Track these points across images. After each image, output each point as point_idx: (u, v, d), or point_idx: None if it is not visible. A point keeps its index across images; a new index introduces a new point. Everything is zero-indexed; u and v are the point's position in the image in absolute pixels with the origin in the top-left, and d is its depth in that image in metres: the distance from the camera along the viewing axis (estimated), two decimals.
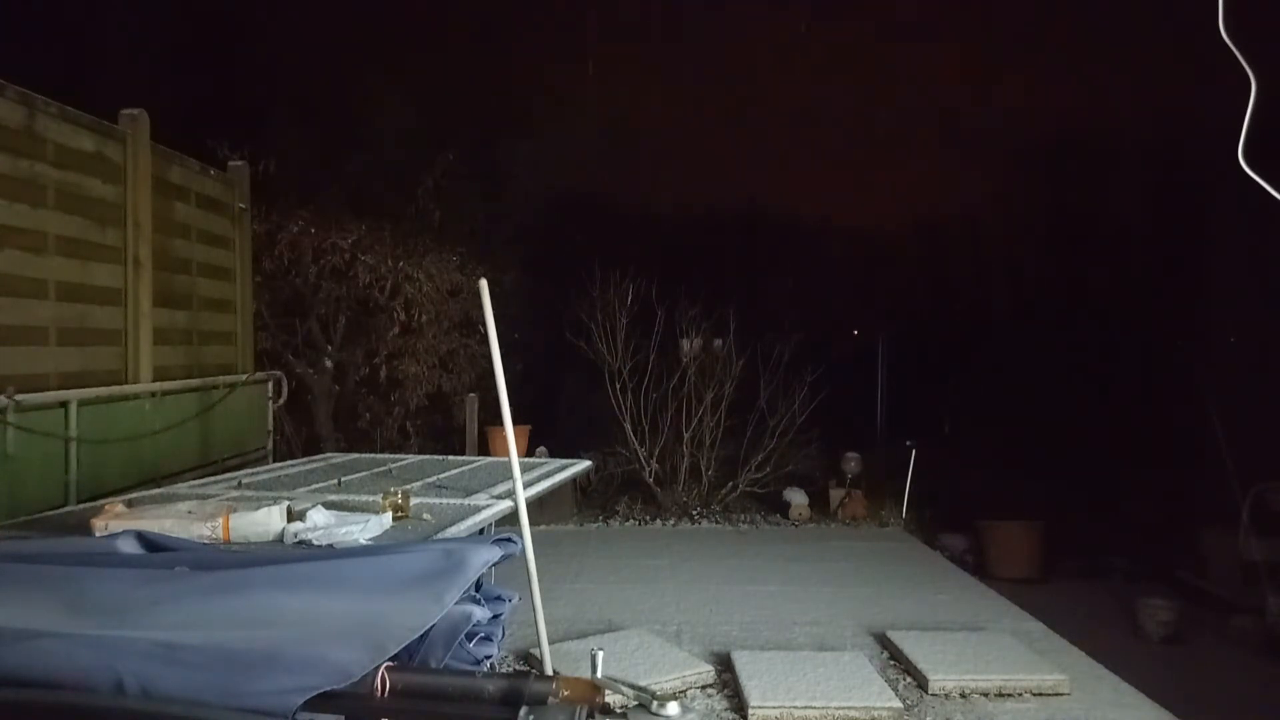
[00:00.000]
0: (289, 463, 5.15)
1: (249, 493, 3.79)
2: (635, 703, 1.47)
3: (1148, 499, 8.22)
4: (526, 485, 3.79)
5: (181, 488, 4.09)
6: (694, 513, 9.02)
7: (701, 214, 13.49)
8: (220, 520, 2.70)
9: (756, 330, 9.59)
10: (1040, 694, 4.40)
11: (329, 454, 5.72)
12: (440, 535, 2.91)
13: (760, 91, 13.42)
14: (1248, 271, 8.26)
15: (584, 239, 11.30)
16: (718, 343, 9.66)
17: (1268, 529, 6.57)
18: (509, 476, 3.61)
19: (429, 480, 4.24)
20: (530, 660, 4.67)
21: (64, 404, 4.53)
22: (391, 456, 5.34)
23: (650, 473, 9.24)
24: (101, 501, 3.58)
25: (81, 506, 3.90)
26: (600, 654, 1.72)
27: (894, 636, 5.08)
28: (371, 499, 3.38)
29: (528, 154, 11.73)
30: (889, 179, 13.60)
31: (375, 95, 10.14)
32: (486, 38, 11.83)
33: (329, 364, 9.04)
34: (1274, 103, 3.29)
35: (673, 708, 1.46)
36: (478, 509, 3.41)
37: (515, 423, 3.51)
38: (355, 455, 5.47)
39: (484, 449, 8.87)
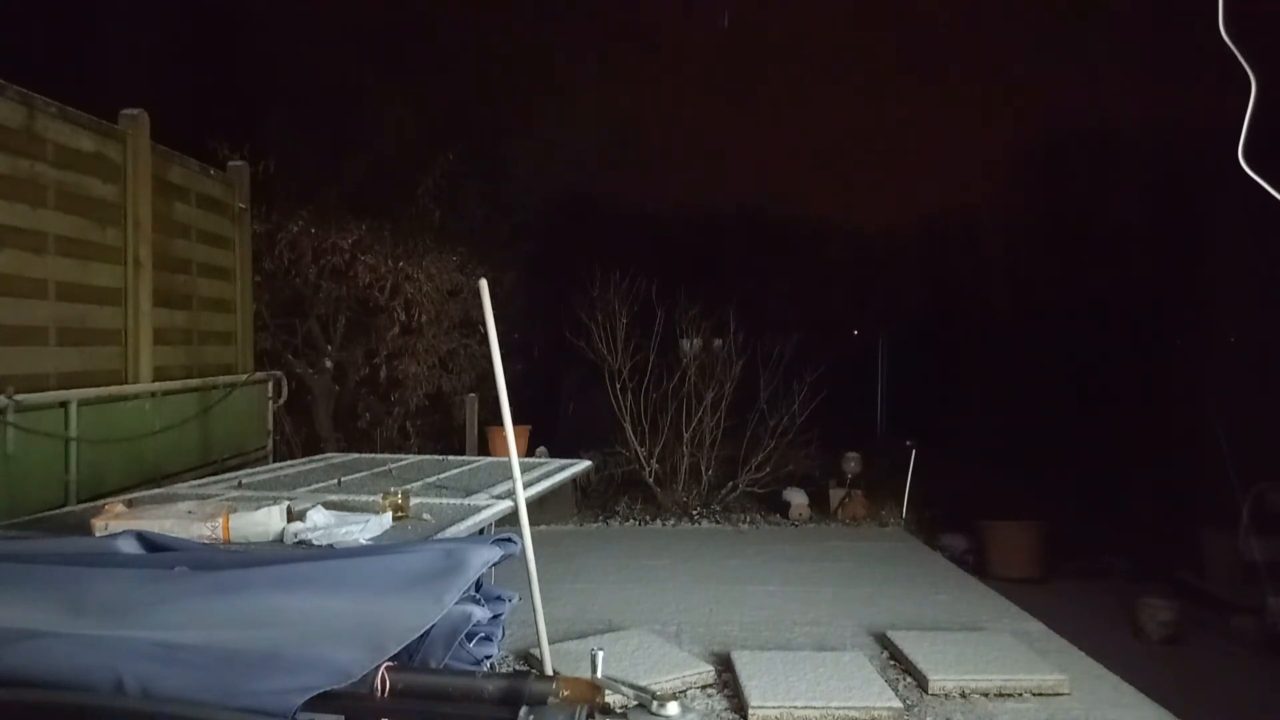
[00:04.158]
0: (289, 463, 5.15)
1: (249, 493, 3.79)
2: (635, 703, 1.47)
3: (1148, 499, 8.22)
4: (526, 485, 3.79)
5: (181, 488, 4.09)
6: (694, 513, 9.02)
7: (701, 214, 13.50)
8: (220, 520, 2.70)
9: (756, 330, 9.59)
10: (1040, 694, 4.40)
11: (329, 454, 5.72)
12: (440, 535, 2.91)
13: (760, 91, 13.43)
14: (1248, 272, 8.26)
15: (584, 239, 11.30)
16: (718, 343, 9.66)
17: (1268, 529, 6.57)
18: (509, 476, 3.61)
19: (429, 480, 4.24)
20: (530, 660, 4.67)
21: (64, 404, 4.53)
22: (391, 456, 5.34)
23: (650, 473, 9.24)
24: (101, 501, 3.58)
25: (81, 506, 3.89)
26: (600, 654, 1.72)
27: (894, 636, 5.08)
28: (371, 499, 3.38)
29: (528, 154, 11.74)
30: (889, 179, 13.61)
31: (375, 95, 10.14)
32: (487, 37, 11.83)
33: (329, 364, 9.04)
34: (1274, 103, 3.29)
35: (673, 708, 1.45)
36: (478, 509, 3.41)
37: (515, 423, 3.51)
38: (355, 455, 5.47)
39: (484, 449, 8.87)
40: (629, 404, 9.23)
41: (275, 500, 2.96)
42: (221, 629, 1.68)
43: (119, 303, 5.15)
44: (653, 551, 7.60)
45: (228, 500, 3.44)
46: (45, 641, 1.54)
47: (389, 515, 2.98)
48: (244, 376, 6.57)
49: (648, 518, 8.99)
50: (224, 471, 5.29)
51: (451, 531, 3.01)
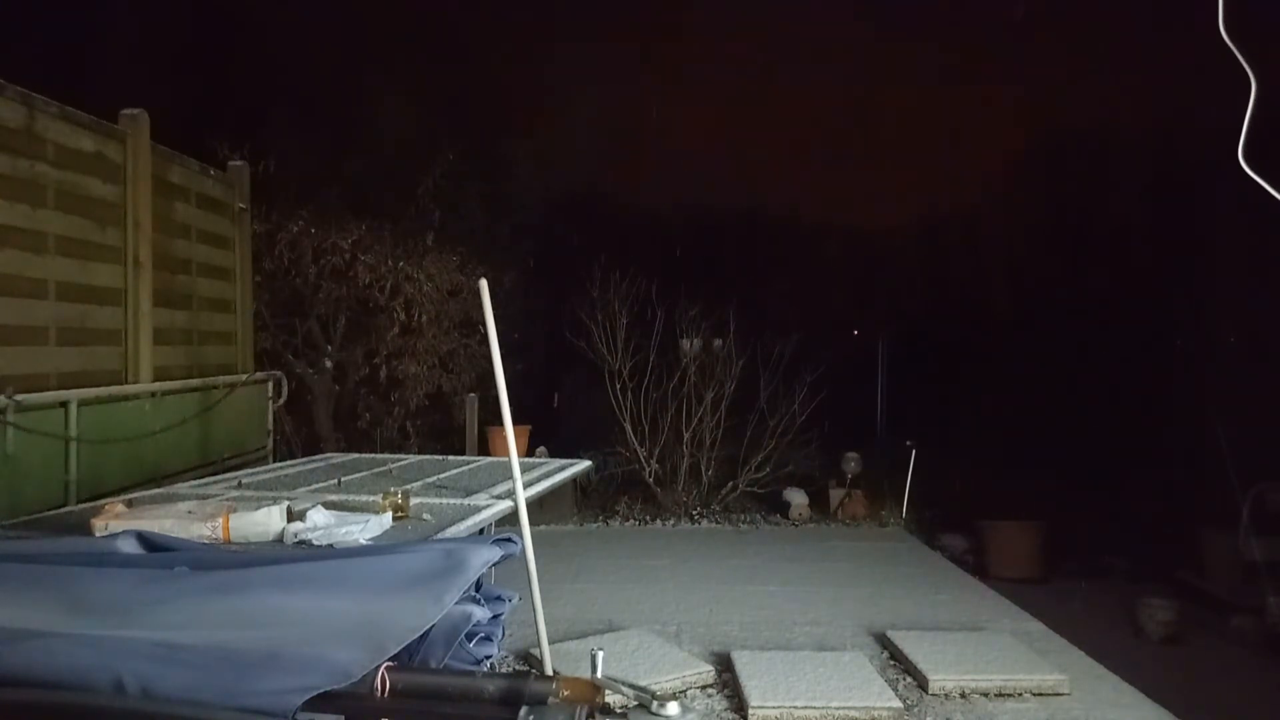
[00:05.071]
0: (289, 463, 5.16)
1: (249, 493, 3.79)
2: (635, 703, 1.47)
3: (1148, 499, 8.22)
4: (526, 485, 3.79)
5: (181, 488, 4.09)
6: (694, 513, 9.02)
7: (701, 214, 13.48)
8: (220, 520, 2.70)
9: (756, 330, 9.59)
10: (1040, 694, 4.40)
11: (329, 454, 5.73)
12: (440, 535, 2.91)
13: (761, 91, 13.43)
14: (1248, 271, 8.26)
15: (584, 239, 11.29)
16: (718, 343, 9.66)
17: (1268, 529, 6.57)
18: (509, 476, 3.61)
19: (429, 480, 4.24)
20: (530, 660, 4.67)
21: (64, 404, 4.53)
22: (391, 456, 5.34)
23: (650, 473, 9.24)
24: (101, 501, 3.58)
25: (81, 506, 3.90)
26: (600, 654, 1.72)
27: (894, 636, 5.08)
28: (371, 499, 3.38)
29: (527, 154, 11.73)
30: (889, 179, 13.60)
31: (375, 95, 10.14)
32: (487, 37, 11.83)
33: (329, 364, 9.04)
34: (1274, 103, 3.29)
35: (673, 708, 1.45)
36: (478, 509, 3.41)
37: (515, 423, 3.51)
38: (355, 455, 5.48)
39: (484, 449, 8.87)
40: (629, 404, 9.23)
41: (275, 500, 2.96)
42: (221, 629, 1.68)
43: (119, 303, 5.15)
44: (653, 551, 7.60)
45: (228, 500, 3.44)
46: (45, 641, 1.54)
47: (389, 515, 2.99)
48: (244, 376, 6.57)
49: (648, 518, 8.99)
50: (224, 471, 5.29)
51: (451, 531, 3.01)
